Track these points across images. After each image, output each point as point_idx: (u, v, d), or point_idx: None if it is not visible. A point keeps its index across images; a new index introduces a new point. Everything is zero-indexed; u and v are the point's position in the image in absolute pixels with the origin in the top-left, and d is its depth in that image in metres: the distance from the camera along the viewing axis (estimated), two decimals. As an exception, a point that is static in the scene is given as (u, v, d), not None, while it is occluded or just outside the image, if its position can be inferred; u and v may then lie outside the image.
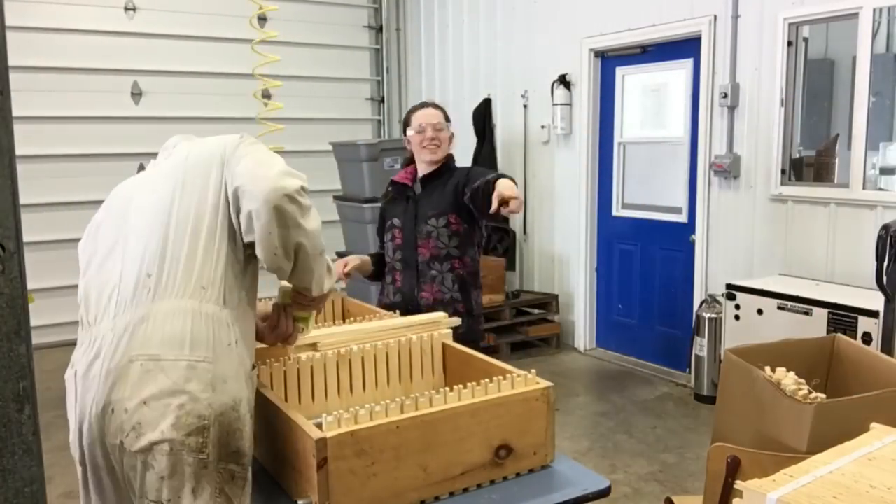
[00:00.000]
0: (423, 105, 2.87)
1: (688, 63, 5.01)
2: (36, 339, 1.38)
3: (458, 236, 2.71)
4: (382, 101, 7.53)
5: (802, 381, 1.93)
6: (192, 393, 1.47)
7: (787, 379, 1.92)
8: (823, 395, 1.92)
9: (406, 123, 2.84)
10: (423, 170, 2.82)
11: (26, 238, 1.44)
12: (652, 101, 5.47)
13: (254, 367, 1.66)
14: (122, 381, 1.50)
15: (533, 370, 1.75)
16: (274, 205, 1.50)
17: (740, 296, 4.02)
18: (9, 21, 1.37)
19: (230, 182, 1.60)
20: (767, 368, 2.00)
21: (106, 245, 1.68)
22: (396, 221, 2.83)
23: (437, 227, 2.71)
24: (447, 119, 2.83)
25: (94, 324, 1.59)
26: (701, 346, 4.62)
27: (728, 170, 4.63)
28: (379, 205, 3.16)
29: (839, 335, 2.35)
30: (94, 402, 1.53)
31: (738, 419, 2.07)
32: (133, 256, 1.60)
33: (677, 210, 5.21)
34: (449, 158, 2.82)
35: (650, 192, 5.49)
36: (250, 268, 1.65)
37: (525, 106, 6.16)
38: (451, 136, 2.83)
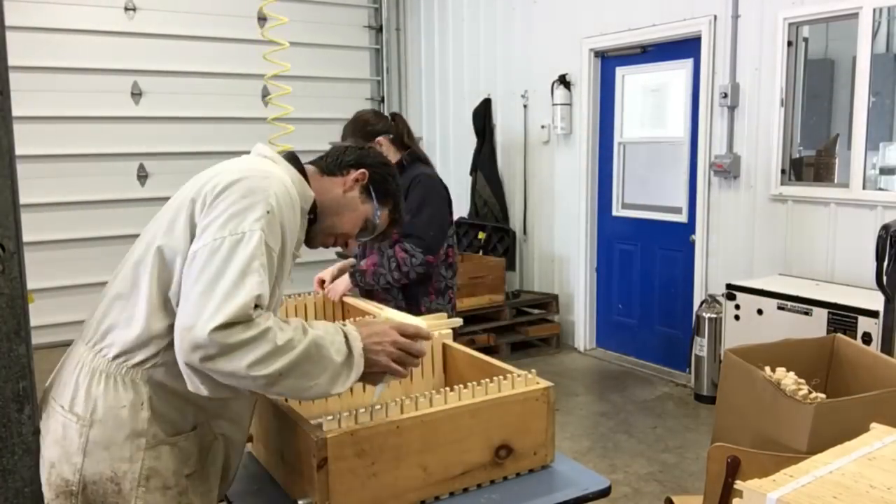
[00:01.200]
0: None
1: (688, 63, 5.01)
2: (36, 339, 1.38)
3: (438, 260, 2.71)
4: (382, 101, 7.52)
5: (802, 381, 1.93)
6: (64, 451, 1.40)
7: (787, 379, 1.92)
8: (823, 395, 1.93)
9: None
10: None
11: (26, 238, 1.44)
12: (652, 101, 5.47)
13: (196, 431, 1.48)
14: (41, 410, 1.48)
15: (533, 370, 1.75)
16: (191, 367, 1.30)
17: (740, 296, 4.02)
18: (9, 21, 1.37)
19: (182, 263, 1.38)
20: (767, 368, 2.00)
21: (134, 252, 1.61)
22: None
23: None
24: (359, 141, 2.65)
25: None
26: (701, 346, 4.62)
27: (728, 170, 4.63)
28: None
29: (839, 335, 2.35)
30: None
31: (738, 419, 2.07)
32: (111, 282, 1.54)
33: (677, 210, 5.21)
34: (399, 163, 2.72)
35: (650, 192, 5.49)
36: None
37: (525, 106, 6.16)
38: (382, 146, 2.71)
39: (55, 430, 1.42)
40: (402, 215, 1.82)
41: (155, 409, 1.41)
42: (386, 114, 2.91)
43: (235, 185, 1.40)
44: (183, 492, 1.45)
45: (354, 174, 1.67)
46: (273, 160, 1.58)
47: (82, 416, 1.40)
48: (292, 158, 1.64)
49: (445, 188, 2.80)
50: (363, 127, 2.77)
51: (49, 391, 1.50)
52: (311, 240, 1.66)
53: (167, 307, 1.40)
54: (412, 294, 2.74)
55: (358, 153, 1.73)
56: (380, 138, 2.74)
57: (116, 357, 1.41)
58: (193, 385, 1.34)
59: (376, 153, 1.79)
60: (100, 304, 1.50)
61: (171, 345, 1.35)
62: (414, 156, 2.80)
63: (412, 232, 2.63)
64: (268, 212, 1.37)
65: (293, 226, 1.48)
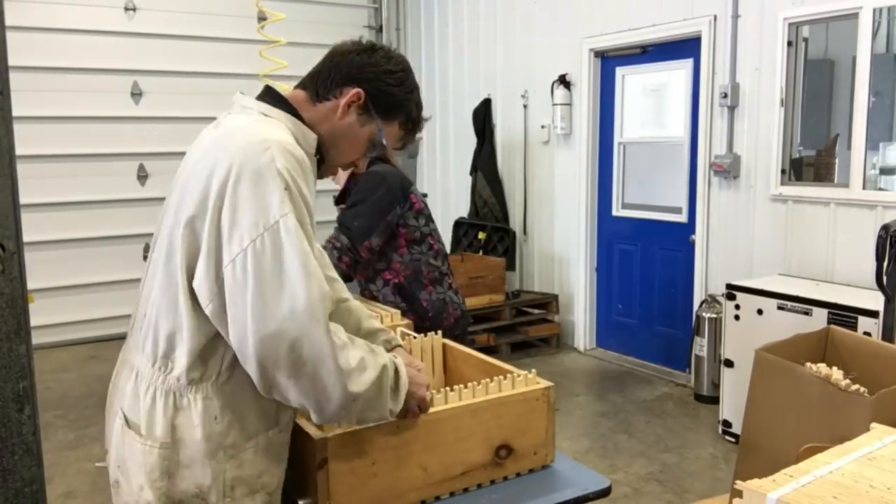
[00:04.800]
0: None
1: (688, 63, 5.01)
2: (36, 339, 1.38)
3: (373, 251, 2.67)
4: (382, 101, 7.52)
5: (847, 375, 1.92)
6: (148, 476, 1.35)
7: (837, 373, 1.91)
8: (864, 388, 1.91)
9: None
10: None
11: (26, 238, 1.44)
12: (652, 101, 5.47)
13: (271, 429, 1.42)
14: (110, 428, 1.46)
15: (533, 370, 1.75)
16: (265, 364, 1.25)
17: (740, 296, 4.02)
18: (9, 21, 1.36)
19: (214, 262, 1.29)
20: (809, 364, 1.99)
21: (154, 242, 1.47)
22: None
23: None
24: None
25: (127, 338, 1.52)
26: (701, 346, 4.62)
27: (728, 170, 4.63)
28: None
29: (832, 326, 2.36)
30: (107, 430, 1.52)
31: (776, 418, 2.05)
32: (144, 286, 1.44)
33: (677, 210, 5.21)
34: (355, 172, 2.69)
35: (650, 192, 5.49)
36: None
37: (525, 106, 6.16)
38: None
39: (136, 457, 1.37)
40: (420, 122, 1.61)
41: (229, 418, 1.36)
42: None
43: (242, 175, 1.29)
44: (272, 491, 1.43)
45: (348, 95, 1.47)
46: (265, 113, 1.44)
47: (162, 439, 1.35)
48: (278, 99, 1.47)
49: (400, 183, 2.73)
50: None
51: (116, 412, 1.44)
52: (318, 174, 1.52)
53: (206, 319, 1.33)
54: (408, 293, 2.71)
55: (349, 66, 1.48)
56: None
57: (182, 376, 1.35)
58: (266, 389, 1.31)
59: (377, 60, 1.51)
60: (143, 319, 1.42)
61: (233, 354, 1.33)
62: (376, 159, 2.77)
63: (342, 221, 2.66)
64: (286, 188, 1.29)
65: (310, 188, 1.37)
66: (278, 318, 1.23)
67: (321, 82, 1.49)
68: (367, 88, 1.47)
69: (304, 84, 1.52)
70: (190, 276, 1.32)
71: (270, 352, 1.24)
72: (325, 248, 2.57)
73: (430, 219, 2.82)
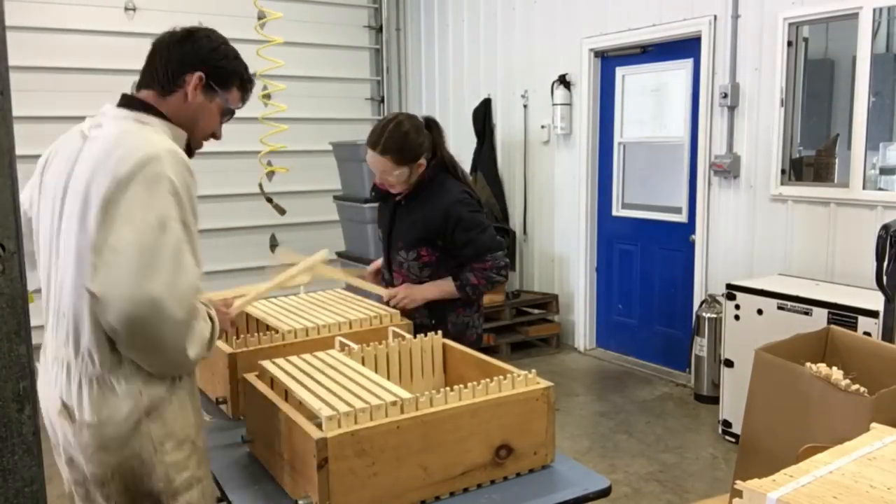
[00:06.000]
0: (370, 145, 2.58)
1: (688, 63, 5.01)
2: (36, 340, 1.38)
3: (430, 266, 2.62)
4: (382, 101, 7.52)
5: (847, 375, 1.92)
6: (84, 452, 1.56)
7: (837, 373, 1.91)
8: (864, 388, 1.91)
9: None
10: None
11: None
12: (652, 101, 5.47)
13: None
14: (45, 416, 1.64)
15: (533, 370, 1.75)
16: (130, 327, 1.44)
17: (740, 296, 4.02)
18: (9, 21, 1.36)
19: (91, 251, 1.46)
20: (809, 364, 1.99)
21: (43, 239, 1.65)
22: (381, 235, 2.80)
23: (408, 259, 2.64)
24: (400, 161, 2.54)
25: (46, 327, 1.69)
26: (701, 346, 4.62)
27: (728, 170, 4.63)
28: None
29: (832, 326, 2.35)
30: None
31: (776, 419, 2.05)
32: (51, 286, 1.62)
33: (677, 210, 5.21)
34: (425, 176, 2.61)
35: (650, 192, 5.49)
36: None
37: (525, 106, 6.16)
38: (411, 170, 2.58)
39: (69, 438, 1.59)
40: (251, 80, 1.86)
41: (150, 390, 1.56)
42: (420, 117, 2.68)
43: (136, 179, 1.47)
44: (194, 440, 1.64)
45: (191, 82, 1.68)
46: (141, 121, 1.63)
47: (90, 421, 1.54)
48: (145, 105, 1.66)
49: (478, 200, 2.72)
50: (406, 143, 2.58)
51: (52, 400, 1.63)
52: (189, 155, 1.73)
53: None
54: (439, 312, 2.63)
55: (181, 55, 1.70)
56: (421, 160, 2.61)
57: (104, 363, 1.54)
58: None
59: (200, 39, 1.75)
60: (63, 317, 1.60)
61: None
62: (440, 167, 2.66)
63: (489, 249, 2.59)
64: (173, 193, 1.49)
65: (193, 185, 1.56)
66: (148, 294, 1.41)
67: (163, 78, 1.68)
68: (204, 70, 1.70)
69: (146, 83, 1.70)
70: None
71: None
72: (486, 272, 2.57)
73: None
